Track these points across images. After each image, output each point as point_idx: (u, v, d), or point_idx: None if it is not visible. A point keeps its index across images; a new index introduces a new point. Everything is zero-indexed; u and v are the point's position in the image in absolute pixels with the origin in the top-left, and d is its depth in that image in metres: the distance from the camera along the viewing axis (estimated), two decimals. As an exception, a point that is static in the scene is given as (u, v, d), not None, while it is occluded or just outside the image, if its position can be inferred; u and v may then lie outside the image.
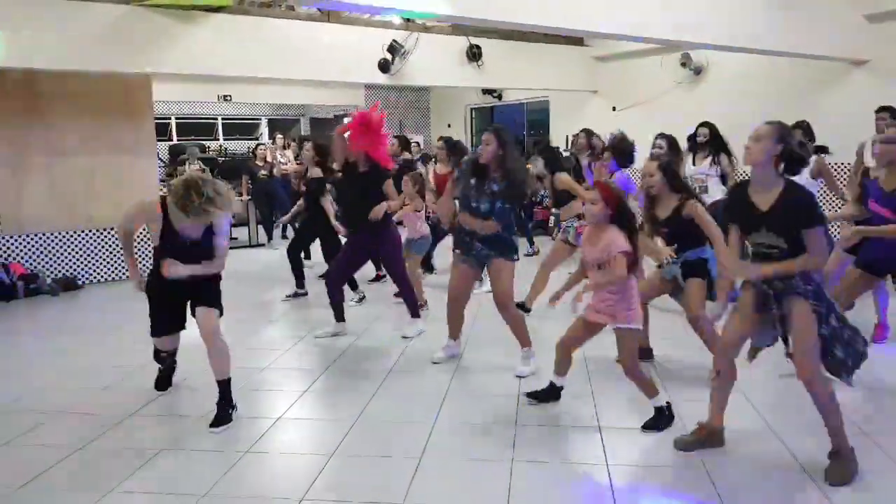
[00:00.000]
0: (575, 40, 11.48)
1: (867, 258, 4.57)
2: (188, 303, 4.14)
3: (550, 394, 4.16)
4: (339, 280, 5.76)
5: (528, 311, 6.08)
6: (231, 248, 4.25)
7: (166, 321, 4.23)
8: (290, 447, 3.77)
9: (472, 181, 4.67)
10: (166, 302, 4.17)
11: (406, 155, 9.50)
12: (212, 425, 3.89)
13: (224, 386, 4.02)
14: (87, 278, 8.32)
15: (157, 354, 4.45)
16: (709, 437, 3.52)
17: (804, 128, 6.53)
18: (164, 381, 4.53)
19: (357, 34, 9.33)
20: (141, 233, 8.27)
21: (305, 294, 7.28)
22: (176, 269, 3.89)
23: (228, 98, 14.73)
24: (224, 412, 3.97)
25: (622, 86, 11.70)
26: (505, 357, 4.95)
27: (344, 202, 6.10)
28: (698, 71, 10.64)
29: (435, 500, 3.09)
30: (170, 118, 16.19)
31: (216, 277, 4.12)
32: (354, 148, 5.47)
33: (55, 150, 7.98)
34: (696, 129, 7.17)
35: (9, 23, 6.67)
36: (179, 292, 4.08)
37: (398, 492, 3.14)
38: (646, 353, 4.78)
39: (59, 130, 7.95)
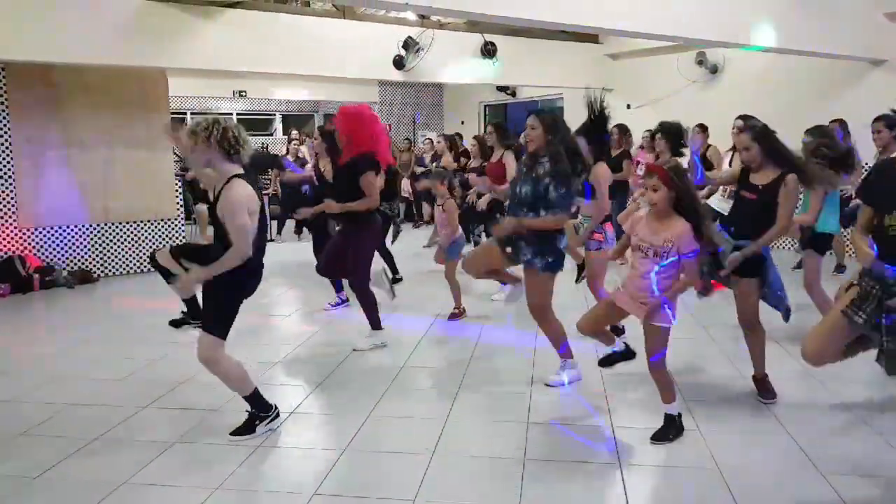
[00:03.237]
0: (589, 37, 11.43)
1: None
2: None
3: (624, 355, 4.01)
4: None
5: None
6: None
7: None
8: (303, 442, 3.78)
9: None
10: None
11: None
12: (231, 433, 3.75)
13: (248, 401, 3.80)
14: (102, 271, 8.37)
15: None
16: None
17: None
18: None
19: (372, 30, 9.34)
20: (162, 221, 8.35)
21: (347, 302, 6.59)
22: (187, 281, 3.64)
23: (243, 94, 14.81)
24: (248, 423, 3.78)
25: (636, 84, 11.64)
26: (517, 355, 4.95)
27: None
28: (714, 69, 10.56)
29: (446, 497, 3.09)
30: (185, 113, 16.28)
31: (223, 284, 3.58)
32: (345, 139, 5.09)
33: (72, 144, 8.04)
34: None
35: (27, 17, 6.73)
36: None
37: (410, 488, 3.14)
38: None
39: (76, 124, 8.01)
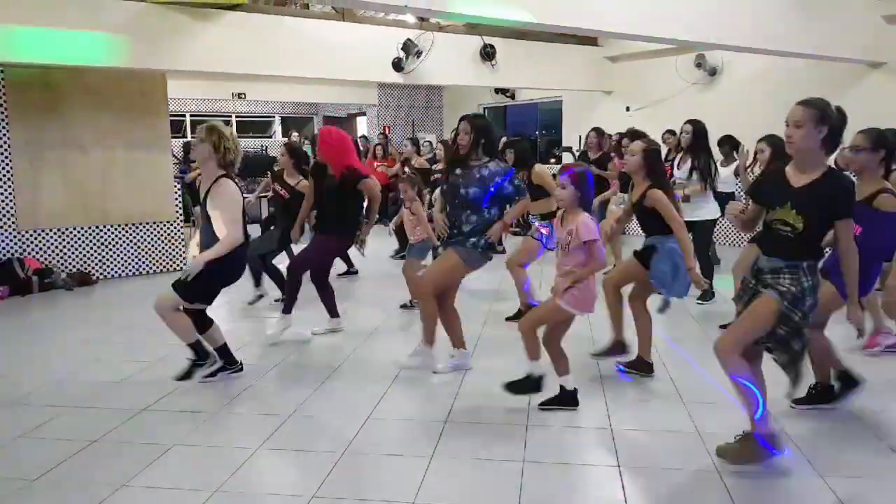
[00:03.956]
0: (588, 40, 11.44)
1: None
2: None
3: (533, 386, 4.06)
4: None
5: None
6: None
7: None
8: (301, 444, 3.78)
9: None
10: None
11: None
12: (175, 377, 4.47)
13: (191, 348, 4.48)
14: (101, 274, 8.37)
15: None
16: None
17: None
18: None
19: (371, 33, 9.35)
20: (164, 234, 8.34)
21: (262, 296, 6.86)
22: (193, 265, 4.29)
23: (242, 96, 14.82)
24: (188, 370, 4.50)
25: (636, 86, 11.65)
26: (517, 358, 4.94)
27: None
28: (713, 72, 10.58)
29: (446, 500, 3.09)
30: (184, 115, 16.29)
31: (215, 271, 4.30)
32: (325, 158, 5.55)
33: (71, 146, 8.04)
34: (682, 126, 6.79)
35: (27, 18, 6.73)
36: None
37: (409, 491, 3.13)
38: (646, 367, 4.57)
39: (75, 126, 8.01)
